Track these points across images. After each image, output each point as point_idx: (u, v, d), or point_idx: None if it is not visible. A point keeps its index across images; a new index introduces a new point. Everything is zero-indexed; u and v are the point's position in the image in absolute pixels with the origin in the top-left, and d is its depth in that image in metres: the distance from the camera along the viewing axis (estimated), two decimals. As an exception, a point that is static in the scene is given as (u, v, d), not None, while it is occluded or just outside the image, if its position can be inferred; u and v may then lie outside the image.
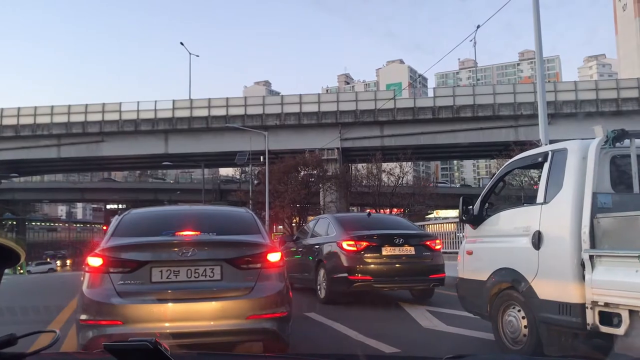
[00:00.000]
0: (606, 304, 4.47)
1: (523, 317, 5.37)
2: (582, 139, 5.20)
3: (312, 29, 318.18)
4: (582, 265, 4.69)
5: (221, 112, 43.12)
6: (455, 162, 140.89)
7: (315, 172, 38.98)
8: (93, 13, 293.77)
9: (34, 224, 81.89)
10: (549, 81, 56.15)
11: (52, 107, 45.48)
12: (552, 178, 5.26)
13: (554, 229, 5.07)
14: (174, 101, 44.36)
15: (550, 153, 5.41)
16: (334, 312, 8.13)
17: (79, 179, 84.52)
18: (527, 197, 5.74)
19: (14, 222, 70.75)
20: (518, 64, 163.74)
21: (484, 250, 6.13)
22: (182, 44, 50.49)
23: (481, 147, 43.23)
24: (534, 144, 33.24)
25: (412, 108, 41.35)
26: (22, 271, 43.52)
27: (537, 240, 5.18)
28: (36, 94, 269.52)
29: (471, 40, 52.57)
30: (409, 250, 9.83)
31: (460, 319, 6.48)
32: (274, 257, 5.03)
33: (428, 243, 10.20)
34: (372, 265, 9.59)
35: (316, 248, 10.76)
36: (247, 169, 44.46)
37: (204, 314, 4.69)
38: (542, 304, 5.05)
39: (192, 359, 2.16)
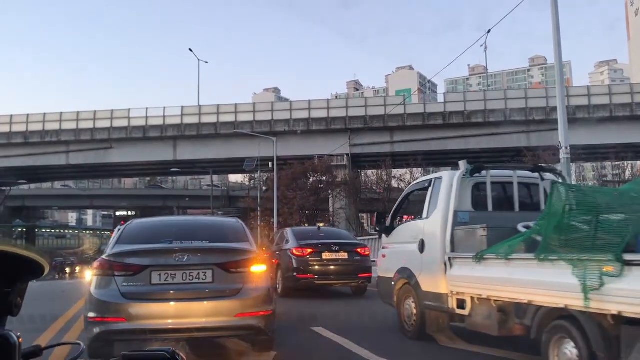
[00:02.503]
0: (458, 293, 6.00)
1: (414, 303, 6.97)
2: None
3: (321, 37, 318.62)
4: (445, 264, 6.27)
5: (230, 118, 42.81)
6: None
7: (325, 178, 38.60)
8: (101, 19, 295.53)
9: (44, 230, 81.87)
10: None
11: (61, 113, 45.39)
12: (432, 199, 6.88)
13: (431, 237, 6.69)
14: (182, 107, 44.10)
15: (433, 180, 7.11)
16: (344, 326, 7.66)
17: (89, 186, 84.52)
18: (419, 213, 7.45)
19: (24, 229, 70.74)
20: (528, 70, 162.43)
21: (392, 254, 7.91)
22: (190, 50, 50.30)
23: (492, 152, 42.55)
24: (549, 149, 32.91)
25: (423, 114, 40.80)
26: None
27: (421, 246, 6.86)
28: (45, 100, 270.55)
29: (482, 45, 52.12)
30: (343, 255, 12.78)
31: (484, 336, 5.87)
32: (259, 262, 5.67)
33: (359, 250, 13.21)
34: (315, 267, 12.53)
35: (277, 254, 13.41)
36: (255, 175, 44.05)
37: (197, 312, 5.27)
38: (424, 294, 6.68)
39: None
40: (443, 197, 6.62)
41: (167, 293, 5.30)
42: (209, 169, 48.23)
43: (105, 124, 44.27)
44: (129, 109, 44.85)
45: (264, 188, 41.96)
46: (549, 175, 7.05)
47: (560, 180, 6.86)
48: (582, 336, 4.32)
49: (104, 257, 5.55)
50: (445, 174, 6.94)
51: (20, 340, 1.39)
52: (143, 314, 5.19)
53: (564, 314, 4.55)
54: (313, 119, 41.88)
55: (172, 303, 5.28)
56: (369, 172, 41.89)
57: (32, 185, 68.97)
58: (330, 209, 39.66)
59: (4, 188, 53.55)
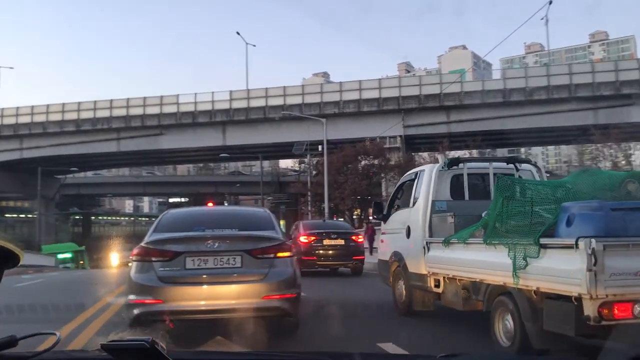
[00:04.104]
0: (433, 273, 6.78)
1: (403, 283, 7.80)
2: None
3: (370, 18, 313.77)
4: (424, 248, 6.97)
5: (278, 101, 41.81)
6: (522, 149, 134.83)
7: (377, 161, 37.16)
8: (147, 5, 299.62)
9: (100, 218, 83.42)
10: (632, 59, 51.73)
11: (111, 100, 45.59)
12: (417, 189, 7.70)
13: (415, 224, 7.49)
14: (231, 92, 43.51)
15: (418, 172, 7.97)
16: (423, 343, 6.36)
17: (142, 173, 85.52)
18: (406, 203, 8.21)
19: (80, 217, 72.13)
20: (589, 46, 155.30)
21: (388, 239, 8.92)
22: (238, 33, 49.20)
23: (556, 131, 40.12)
24: (618, 126, 30.47)
25: (481, 91, 38.60)
26: (82, 263, 43.74)
27: (408, 232, 7.70)
28: (95, 88, 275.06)
29: (542, 18, 48.84)
30: (340, 241, 15.62)
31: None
32: (285, 249, 6.01)
33: (353, 237, 16.10)
34: (317, 251, 15.33)
35: (290, 241, 16.66)
36: (305, 159, 42.92)
37: (227, 294, 5.69)
38: (410, 275, 7.50)
39: (188, 356, 2.07)
40: (424, 187, 7.47)
41: (200, 277, 5.71)
42: (258, 154, 47.43)
43: (155, 110, 44.15)
44: (178, 95, 44.62)
45: (314, 172, 40.74)
46: (525, 166, 7.74)
47: (535, 170, 7.69)
48: (515, 309, 5.05)
49: (142, 244, 5.94)
50: (427, 167, 7.96)
51: None
52: (178, 296, 5.62)
53: (504, 291, 5.32)
54: (364, 100, 40.33)
55: (204, 286, 5.71)
56: (424, 154, 40.06)
57: (89, 173, 70.15)
58: (384, 194, 38.07)
59: (58, 176, 54.32)
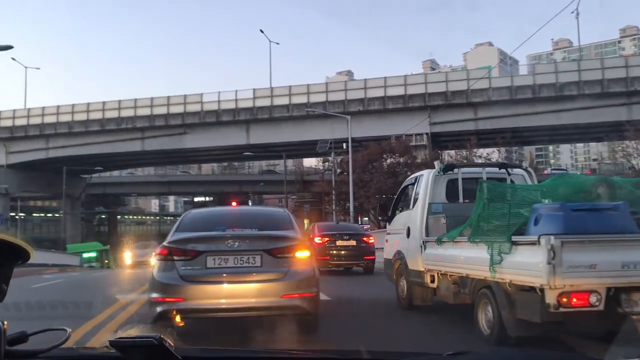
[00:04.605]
0: (429, 270, 7.61)
1: (404, 280, 8.54)
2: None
3: (393, 17, 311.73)
4: (421, 247, 7.79)
5: (302, 99, 41.36)
6: (550, 147, 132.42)
7: (403, 159, 36.41)
8: (171, 4, 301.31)
9: (125, 217, 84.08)
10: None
11: (136, 100, 45.66)
12: (416, 193, 8.45)
13: (413, 225, 8.26)
14: (254, 90, 43.17)
15: (418, 177, 8.75)
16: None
17: (172, 172, 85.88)
18: (407, 205, 8.85)
19: (106, 216, 72.67)
20: (619, 42, 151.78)
21: (392, 239, 9.52)
22: (262, 31, 48.77)
23: (588, 128, 38.90)
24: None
25: (509, 87, 37.51)
26: (107, 262, 43.88)
27: (407, 232, 8.48)
28: (119, 87, 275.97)
29: (573, 12, 47.51)
30: (352, 242, 16.61)
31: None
32: (303, 248, 6.11)
33: (364, 238, 17.05)
34: (330, 251, 16.27)
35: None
36: (329, 158, 42.43)
37: (247, 293, 5.79)
38: (410, 272, 8.27)
39: (196, 354, 2.05)
40: (422, 191, 8.16)
41: (221, 276, 5.82)
42: (282, 152, 47.07)
43: (179, 109, 44.09)
44: (202, 94, 44.47)
45: (338, 171, 40.19)
46: (516, 171, 8.47)
47: (526, 175, 8.26)
48: (494, 300, 5.58)
49: (164, 243, 6.08)
50: (425, 172, 8.55)
51: (5, 326, 1.34)
52: (199, 294, 5.74)
53: (485, 284, 5.87)
54: (389, 97, 39.62)
55: (224, 285, 5.81)
56: (452, 152, 39.16)
57: (114, 172, 70.62)
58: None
59: (84, 176, 54.68)
